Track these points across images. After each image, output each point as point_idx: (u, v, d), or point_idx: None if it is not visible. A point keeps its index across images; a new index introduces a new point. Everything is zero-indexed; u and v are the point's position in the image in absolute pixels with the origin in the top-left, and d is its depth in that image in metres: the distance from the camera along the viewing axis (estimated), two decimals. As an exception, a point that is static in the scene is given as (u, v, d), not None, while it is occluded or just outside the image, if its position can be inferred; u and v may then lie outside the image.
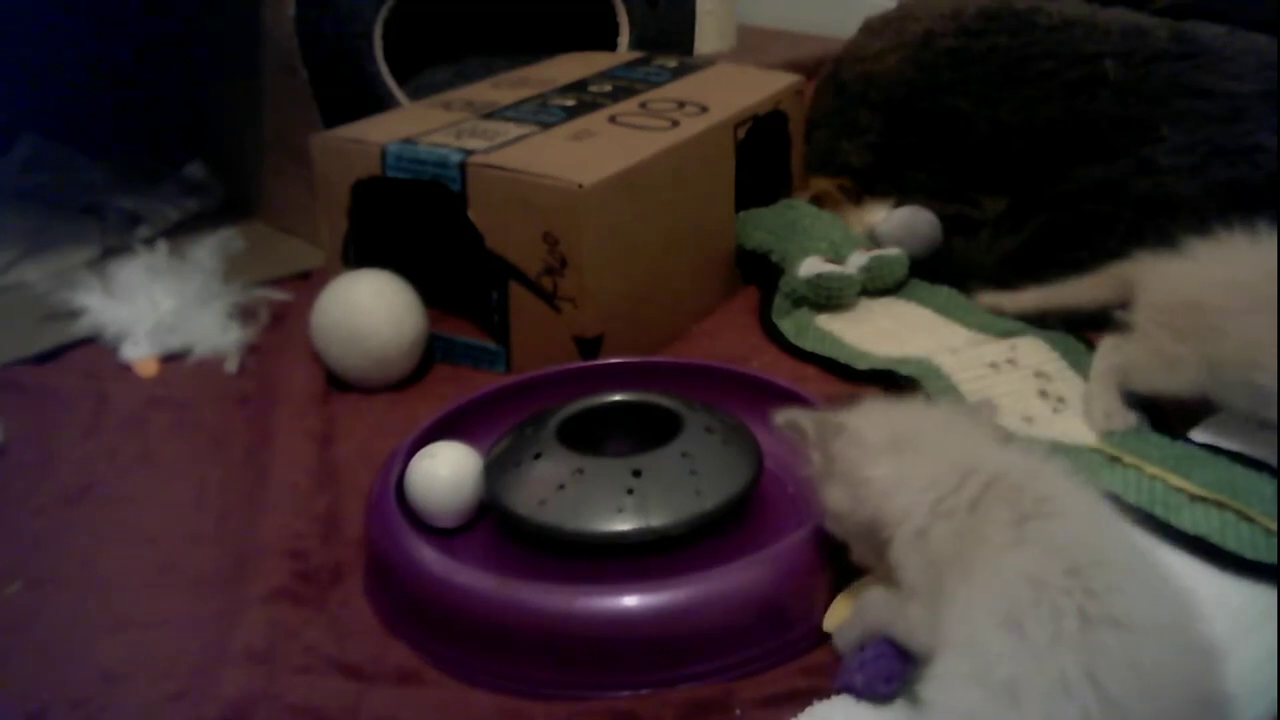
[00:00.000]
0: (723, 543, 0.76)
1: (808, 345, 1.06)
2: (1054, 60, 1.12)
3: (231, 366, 1.08)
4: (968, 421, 0.68)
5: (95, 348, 1.11)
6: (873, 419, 0.67)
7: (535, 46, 1.41)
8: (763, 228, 1.19)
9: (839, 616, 0.69)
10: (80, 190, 1.44)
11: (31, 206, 1.40)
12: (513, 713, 0.67)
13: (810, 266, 1.12)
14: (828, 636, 0.69)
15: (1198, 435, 0.88)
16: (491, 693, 0.69)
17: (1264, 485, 0.80)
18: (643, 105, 1.16)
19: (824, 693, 0.66)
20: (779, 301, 1.13)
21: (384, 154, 1.03)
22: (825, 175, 1.29)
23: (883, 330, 1.08)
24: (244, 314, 1.14)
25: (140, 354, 1.09)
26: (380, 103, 1.23)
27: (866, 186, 1.26)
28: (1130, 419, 0.89)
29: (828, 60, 1.40)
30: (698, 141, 1.10)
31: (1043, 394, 0.95)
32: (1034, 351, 1.01)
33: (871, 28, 1.33)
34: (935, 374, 0.97)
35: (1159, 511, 0.78)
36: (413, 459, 0.82)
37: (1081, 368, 0.98)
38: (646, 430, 0.83)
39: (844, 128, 1.29)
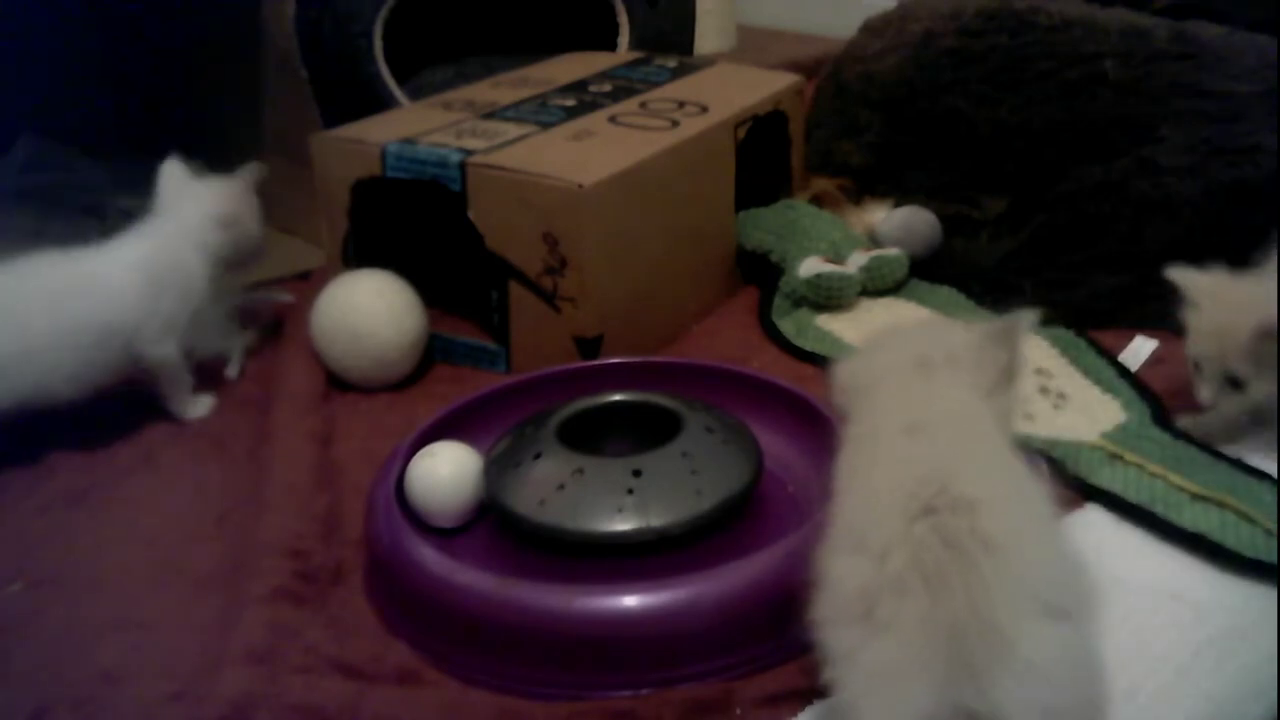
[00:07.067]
0: (722, 542, 0.76)
1: (808, 345, 1.06)
2: (1054, 60, 1.12)
3: (232, 368, 1.08)
4: None
5: (96, 348, 1.11)
6: None
7: (535, 46, 1.41)
8: (763, 228, 1.19)
9: None
10: (80, 190, 1.44)
11: (31, 206, 1.40)
12: (513, 713, 0.67)
13: (810, 266, 1.12)
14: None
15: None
16: (491, 693, 0.69)
17: (1264, 490, 0.80)
18: (643, 105, 1.16)
19: (824, 691, 0.66)
20: (779, 301, 1.13)
21: (384, 154, 1.03)
22: (825, 175, 1.29)
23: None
24: (244, 314, 1.14)
25: (140, 354, 1.09)
26: (380, 103, 1.23)
27: (866, 186, 1.26)
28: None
29: (828, 60, 1.40)
30: (698, 141, 1.10)
31: (1043, 391, 0.95)
32: (1034, 349, 1.00)
33: (871, 28, 1.33)
34: (935, 374, 0.97)
35: (1160, 510, 0.78)
36: (413, 459, 0.82)
37: (1082, 365, 0.98)
38: (646, 430, 0.83)
39: (844, 128, 1.29)
